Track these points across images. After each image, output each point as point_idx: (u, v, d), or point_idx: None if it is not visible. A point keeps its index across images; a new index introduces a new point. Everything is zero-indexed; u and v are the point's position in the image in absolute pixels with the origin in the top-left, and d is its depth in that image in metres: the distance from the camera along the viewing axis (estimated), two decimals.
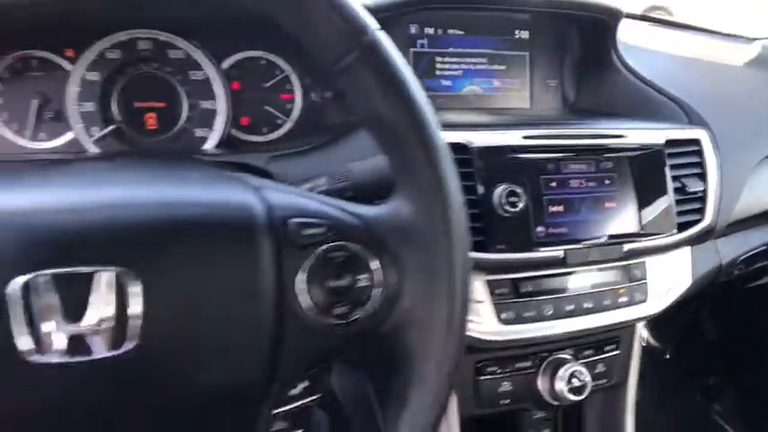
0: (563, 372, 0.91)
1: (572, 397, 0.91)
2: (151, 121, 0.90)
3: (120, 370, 0.42)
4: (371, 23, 0.46)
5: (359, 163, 0.66)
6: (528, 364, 0.93)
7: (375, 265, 0.49)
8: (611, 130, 0.93)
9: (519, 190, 0.81)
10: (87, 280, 0.41)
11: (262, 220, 0.46)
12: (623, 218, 0.91)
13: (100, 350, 0.42)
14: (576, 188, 0.88)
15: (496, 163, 0.80)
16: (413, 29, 1.04)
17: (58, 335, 0.41)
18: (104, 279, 0.41)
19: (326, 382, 0.51)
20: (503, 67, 1.09)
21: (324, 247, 0.48)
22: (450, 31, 1.05)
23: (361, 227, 0.49)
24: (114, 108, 0.88)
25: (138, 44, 0.88)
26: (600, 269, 0.91)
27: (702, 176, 0.97)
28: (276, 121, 0.95)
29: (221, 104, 0.91)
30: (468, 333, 0.50)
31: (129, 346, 0.42)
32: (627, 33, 1.11)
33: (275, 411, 0.48)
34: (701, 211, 0.96)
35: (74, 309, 0.41)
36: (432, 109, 0.48)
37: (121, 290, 0.42)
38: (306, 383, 0.49)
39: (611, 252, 0.89)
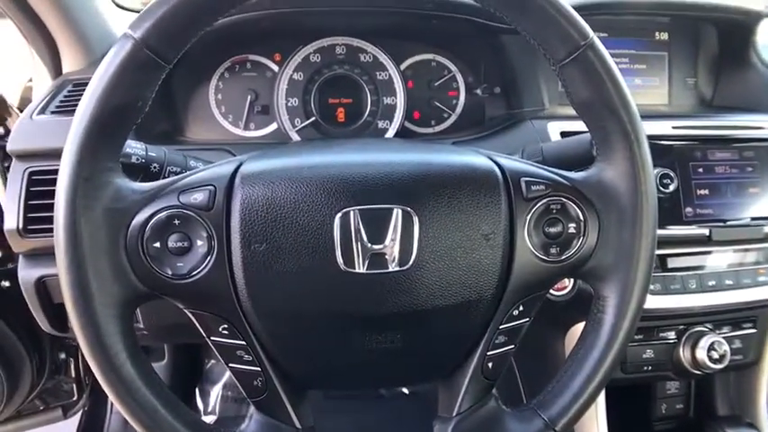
0: (704, 342, 1.00)
1: (712, 365, 0.99)
2: (341, 114, 1.07)
3: (404, 281, 0.57)
4: (588, 27, 0.58)
5: (547, 144, 0.79)
6: (671, 334, 1.02)
7: (581, 216, 0.62)
8: (751, 122, 1.02)
9: (672, 174, 0.92)
10: (384, 215, 0.57)
11: (500, 179, 0.60)
12: (764, 202, 0.99)
13: (392, 265, 0.57)
14: (721, 174, 0.98)
15: (652, 149, 0.91)
16: None
17: (363, 254, 0.56)
18: (397, 214, 0.57)
19: (534, 309, 0.64)
20: (643, 67, 1.18)
21: (545, 200, 0.61)
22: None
23: (572, 186, 0.62)
24: (313, 103, 1.05)
25: (335, 49, 1.05)
26: (741, 249, 0.99)
27: None
28: (443, 115, 1.10)
29: (400, 100, 1.07)
30: None
31: (410, 263, 0.57)
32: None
33: (500, 327, 0.62)
34: None
35: (374, 235, 0.56)
36: None
37: (407, 223, 0.57)
38: (521, 308, 0.63)
39: (752, 233, 0.97)
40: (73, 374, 1.47)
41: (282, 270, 0.56)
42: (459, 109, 1.10)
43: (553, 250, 0.62)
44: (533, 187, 0.61)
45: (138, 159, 0.67)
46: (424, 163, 0.60)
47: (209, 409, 1.60)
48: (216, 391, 1.62)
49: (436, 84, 1.09)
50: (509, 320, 0.62)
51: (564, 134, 0.93)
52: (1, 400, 1.23)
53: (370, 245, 0.56)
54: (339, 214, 0.56)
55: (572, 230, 0.62)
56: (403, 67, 1.07)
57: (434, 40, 1.07)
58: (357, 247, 0.56)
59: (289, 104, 1.05)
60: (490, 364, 0.63)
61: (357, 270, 0.56)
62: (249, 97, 1.05)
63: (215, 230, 0.56)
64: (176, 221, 0.56)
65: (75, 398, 1.48)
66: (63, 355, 1.44)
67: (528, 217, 0.61)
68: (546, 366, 1.11)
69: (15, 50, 1.09)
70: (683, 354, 1.02)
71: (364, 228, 0.56)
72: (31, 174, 0.83)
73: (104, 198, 0.54)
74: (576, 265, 0.62)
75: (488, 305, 0.60)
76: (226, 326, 0.58)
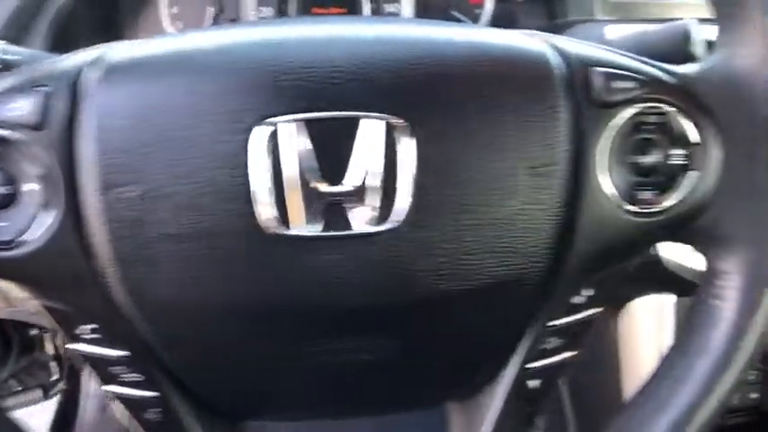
0: None
1: None
2: None
3: (383, 251, 0.33)
4: None
5: (622, 36, 0.54)
6: None
7: (694, 136, 0.37)
8: None
9: None
10: (349, 131, 0.32)
11: (558, 71, 0.36)
12: None
13: (361, 224, 0.33)
14: None
15: None
16: None
17: (310, 202, 0.32)
18: (371, 130, 0.32)
19: (613, 293, 0.40)
20: None
21: (635, 107, 0.36)
22: None
23: (681, 86, 0.37)
24: (291, 14, 0.82)
25: None
26: None
27: None
28: None
29: (407, 8, 0.83)
30: None
31: (396, 219, 0.33)
32: None
33: (550, 324, 0.38)
34: None
35: (331, 169, 0.32)
36: None
37: (390, 145, 0.33)
38: (591, 291, 0.39)
39: None
40: (51, 350, 1.31)
41: (171, 232, 0.33)
42: (484, 19, 0.85)
43: (646, 194, 0.37)
44: (615, 84, 0.36)
45: None
46: (427, 40, 0.36)
47: None
48: None
49: None
50: (568, 312, 0.38)
51: None
52: None
53: (323, 187, 0.32)
54: (266, 130, 0.32)
55: (677, 161, 0.37)
56: None
57: None
58: (299, 193, 0.32)
59: (261, 15, 0.82)
60: (532, 383, 0.39)
61: (296, 232, 0.33)
62: (212, 9, 0.83)
63: (54, 165, 0.33)
64: None
65: (56, 377, 1.32)
66: (34, 330, 1.27)
67: (606, 135, 0.36)
68: (592, 365, 0.86)
69: None
70: None
71: (313, 154, 0.32)
72: None
73: None
74: (683, 220, 0.38)
75: (535, 288, 0.37)
76: (93, 326, 0.36)
